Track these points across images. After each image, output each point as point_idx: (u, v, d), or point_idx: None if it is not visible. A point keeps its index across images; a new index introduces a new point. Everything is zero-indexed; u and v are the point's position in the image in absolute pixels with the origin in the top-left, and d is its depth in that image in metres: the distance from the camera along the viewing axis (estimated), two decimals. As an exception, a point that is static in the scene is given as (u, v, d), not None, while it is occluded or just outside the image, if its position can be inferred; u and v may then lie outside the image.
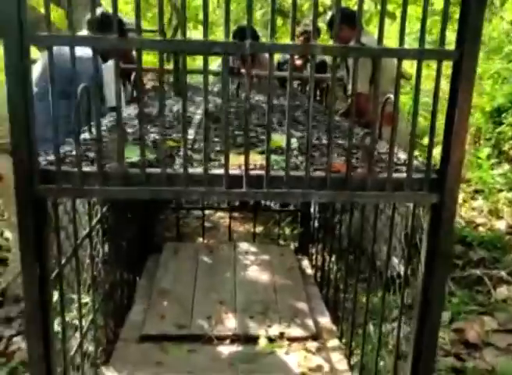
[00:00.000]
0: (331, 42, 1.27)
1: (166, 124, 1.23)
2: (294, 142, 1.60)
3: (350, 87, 1.28)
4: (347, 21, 2.96)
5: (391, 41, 3.83)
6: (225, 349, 2.20)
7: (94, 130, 1.59)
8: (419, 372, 1.39)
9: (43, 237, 1.21)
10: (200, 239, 3.54)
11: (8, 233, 3.48)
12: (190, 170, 1.22)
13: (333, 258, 2.61)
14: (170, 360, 2.11)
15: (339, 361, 2.15)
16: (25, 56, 1.08)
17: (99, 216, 1.95)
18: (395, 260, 1.87)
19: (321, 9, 5.79)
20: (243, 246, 3.29)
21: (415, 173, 1.25)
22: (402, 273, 1.57)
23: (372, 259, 1.88)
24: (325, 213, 2.83)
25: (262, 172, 1.21)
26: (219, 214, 4.09)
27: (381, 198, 1.27)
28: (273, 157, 1.29)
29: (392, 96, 1.29)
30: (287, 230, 3.72)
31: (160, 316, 2.40)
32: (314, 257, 3.10)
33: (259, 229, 3.69)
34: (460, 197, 4.40)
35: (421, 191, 1.23)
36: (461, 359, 2.30)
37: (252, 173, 1.21)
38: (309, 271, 3.05)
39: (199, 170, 1.22)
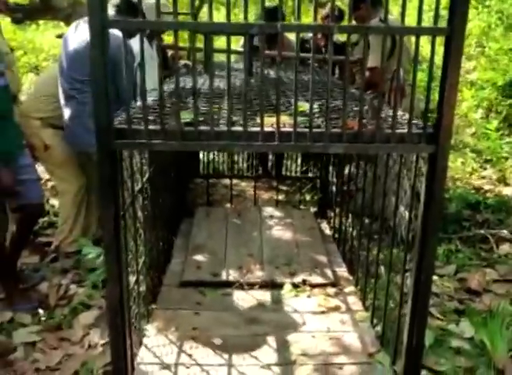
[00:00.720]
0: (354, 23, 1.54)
1: (211, 95, 1.52)
2: (316, 108, 1.88)
3: (367, 62, 1.54)
4: (366, 1, 3.20)
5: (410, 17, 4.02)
6: (255, 293, 2.53)
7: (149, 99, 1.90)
8: (418, 301, 1.68)
9: (116, 182, 1.53)
10: (229, 205, 3.87)
11: (53, 200, 3.84)
12: (233, 128, 1.51)
13: (349, 219, 2.90)
14: (207, 301, 2.46)
15: (355, 303, 2.47)
16: (104, 37, 1.37)
17: (147, 175, 2.27)
18: (402, 208, 2.16)
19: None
20: (268, 210, 3.61)
21: (415, 129, 1.54)
22: (407, 217, 1.86)
23: (383, 212, 2.17)
24: (341, 180, 3.11)
25: (291, 129, 1.50)
26: (244, 183, 4.39)
27: (387, 149, 1.56)
28: (299, 119, 1.57)
29: (401, 71, 1.57)
30: (307, 197, 4.01)
31: (196, 266, 2.74)
32: (332, 220, 3.39)
33: (281, 196, 3.99)
34: (470, 166, 4.65)
35: (420, 143, 1.52)
36: (463, 303, 2.59)
37: (282, 129, 1.51)
38: (328, 231, 3.36)
39: (240, 128, 1.51)
